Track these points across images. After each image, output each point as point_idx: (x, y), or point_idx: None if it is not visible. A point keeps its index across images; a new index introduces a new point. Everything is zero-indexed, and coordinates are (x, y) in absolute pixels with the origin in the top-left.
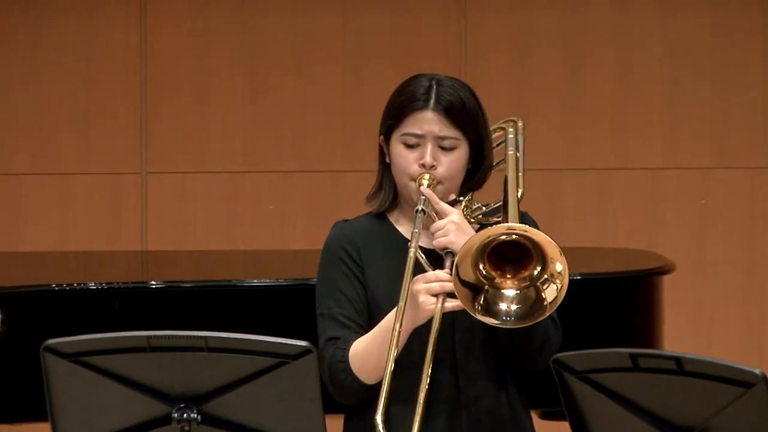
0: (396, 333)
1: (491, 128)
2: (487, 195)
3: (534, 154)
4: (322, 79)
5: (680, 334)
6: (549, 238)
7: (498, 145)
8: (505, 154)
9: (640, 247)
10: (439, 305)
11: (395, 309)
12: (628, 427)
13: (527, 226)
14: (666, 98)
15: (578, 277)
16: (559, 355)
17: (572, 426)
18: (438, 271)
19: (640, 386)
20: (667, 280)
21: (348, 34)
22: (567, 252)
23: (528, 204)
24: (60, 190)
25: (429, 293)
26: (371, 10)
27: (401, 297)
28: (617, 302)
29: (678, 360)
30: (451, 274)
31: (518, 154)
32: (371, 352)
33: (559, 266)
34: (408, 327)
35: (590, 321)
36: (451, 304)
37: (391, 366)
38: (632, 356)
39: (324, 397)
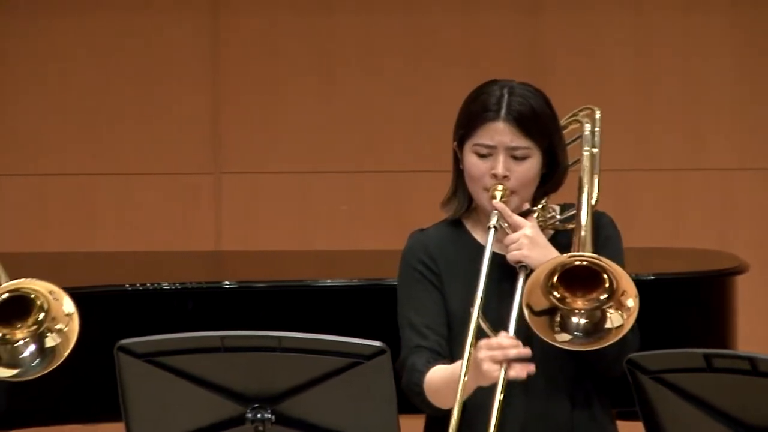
0: (457, 407)
1: (566, 119)
2: (565, 192)
3: (605, 155)
4: (393, 79)
5: (754, 334)
6: (621, 271)
7: (575, 140)
8: (581, 153)
9: (714, 248)
10: (503, 373)
11: (461, 363)
12: (702, 427)
13: (594, 255)
14: (737, 98)
15: (652, 278)
16: (632, 355)
17: (646, 426)
18: (501, 336)
19: (714, 386)
20: (740, 281)
21: (419, 33)
22: (640, 252)
23: (600, 205)
24: (133, 190)
25: (492, 361)
26: (441, 9)
27: (462, 365)
28: (691, 302)
29: (752, 360)
30: (521, 298)
31: (594, 150)
32: (443, 391)
33: (631, 302)
34: (471, 387)
35: (664, 321)
36: (515, 372)
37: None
38: (706, 356)
39: (398, 397)
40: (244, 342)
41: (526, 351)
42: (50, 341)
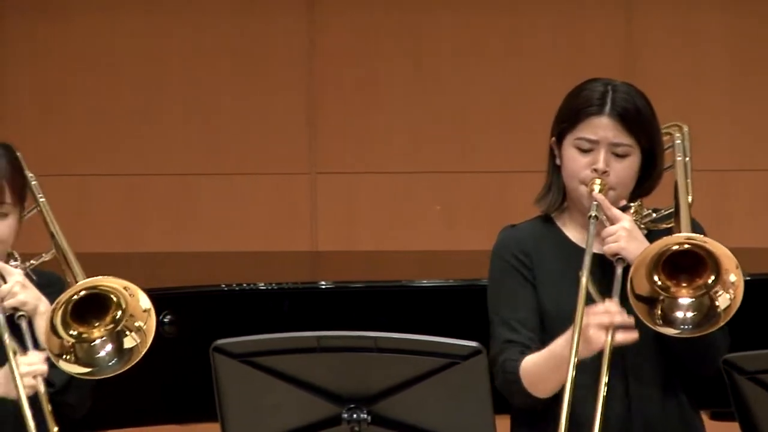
0: (570, 380)
1: None
2: (651, 198)
3: (701, 155)
4: (489, 78)
5: None
6: (726, 250)
7: (666, 149)
8: (674, 160)
9: None
10: (609, 338)
11: (566, 335)
12: None
13: (706, 237)
14: None
15: (747, 278)
16: (729, 355)
17: (742, 427)
18: (608, 303)
19: None
20: None
21: (514, 34)
22: (734, 253)
23: (695, 205)
24: (229, 191)
25: (599, 327)
26: (534, 9)
27: (574, 329)
28: None
29: None
30: (623, 284)
31: (686, 160)
32: (542, 374)
33: (733, 277)
34: (578, 357)
35: (760, 321)
36: (621, 337)
37: (567, 407)
38: None
39: (494, 397)
40: (340, 342)
41: (630, 320)
42: (129, 340)
